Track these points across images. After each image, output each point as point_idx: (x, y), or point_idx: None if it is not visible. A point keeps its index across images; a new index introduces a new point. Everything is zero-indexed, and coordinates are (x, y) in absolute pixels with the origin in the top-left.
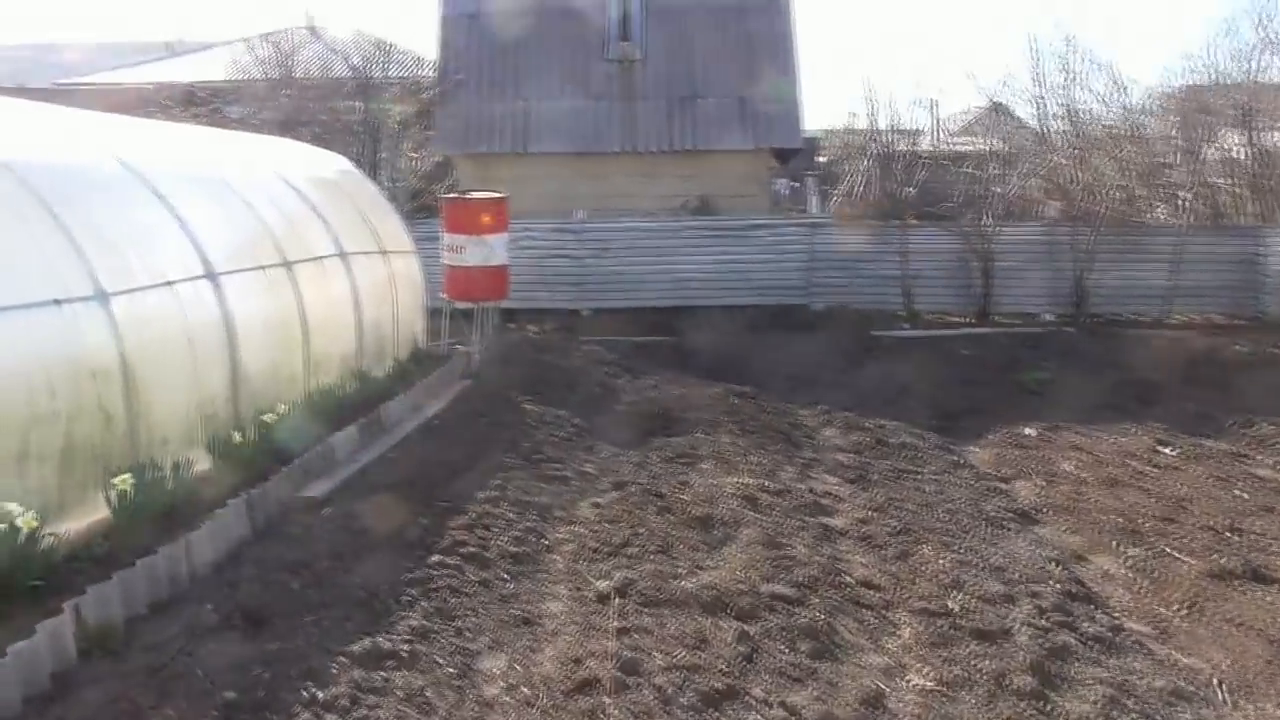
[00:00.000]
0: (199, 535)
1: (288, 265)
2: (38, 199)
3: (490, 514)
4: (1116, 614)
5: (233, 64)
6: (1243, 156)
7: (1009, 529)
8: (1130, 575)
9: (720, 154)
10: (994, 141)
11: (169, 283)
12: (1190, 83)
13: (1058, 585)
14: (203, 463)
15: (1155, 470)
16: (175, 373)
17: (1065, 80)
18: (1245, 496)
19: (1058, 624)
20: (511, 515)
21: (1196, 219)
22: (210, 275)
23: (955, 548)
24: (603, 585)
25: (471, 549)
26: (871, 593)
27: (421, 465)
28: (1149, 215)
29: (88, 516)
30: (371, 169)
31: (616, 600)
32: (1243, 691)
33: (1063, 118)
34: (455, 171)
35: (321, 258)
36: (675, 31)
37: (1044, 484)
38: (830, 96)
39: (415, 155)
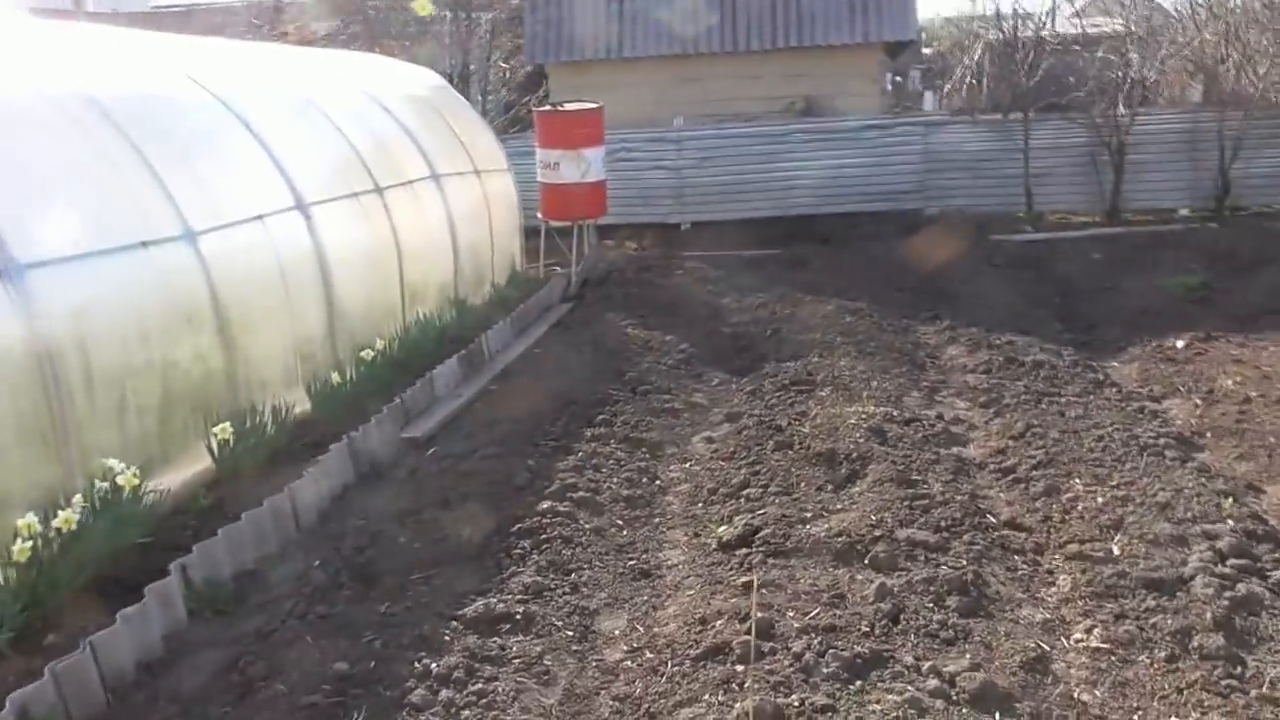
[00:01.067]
0: (303, 484)
1: (379, 191)
2: (120, 133)
3: (599, 453)
4: None
5: None
6: None
7: (1168, 457)
8: None
9: (828, 50)
10: (1130, 20)
11: (259, 217)
12: None
13: (1234, 523)
14: (303, 405)
15: None
16: (270, 313)
17: None
18: None
19: (1240, 570)
20: (621, 454)
21: None
22: (300, 206)
23: (1109, 481)
24: (724, 532)
25: (582, 493)
26: (1020, 535)
27: (525, 399)
28: None
29: (190, 467)
30: (462, 81)
31: (740, 550)
32: None
33: None
34: (548, 81)
35: (414, 181)
36: None
37: (1202, 403)
38: None
39: (506, 65)
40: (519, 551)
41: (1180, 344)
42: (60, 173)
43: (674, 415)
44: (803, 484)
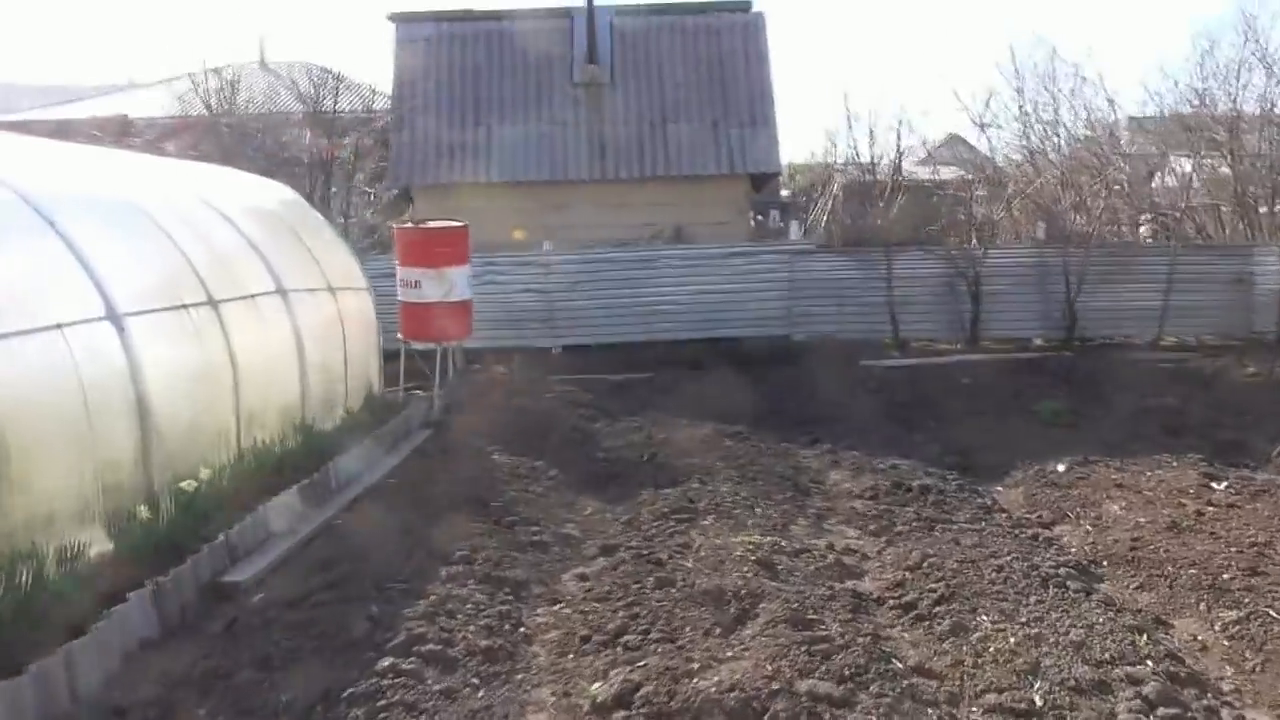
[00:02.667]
0: (85, 644)
1: (214, 304)
2: None
3: (454, 595)
4: (1235, 703)
5: (176, 99)
6: (1227, 174)
7: (1071, 589)
8: (1231, 646)
9: (695, 180)
10: (972, 168)
11: (57, 326)
12: (1172, 102)
13: (1153, 664)
14: (101, 544)
15: (1214, 509)
16: (63, 435)
17: (1049, 99)
18: None
19: None
20: (481, 596)
21: (1183, 239)
22: (112, 316)
23: (1017, 617)
24: (598, 690)
25: (432, 645)
26: (931, 683)
27: (373, 535)
28: (1134, 236)
29: None
30: (323, 203)
31: (618, 713)
32: None
33: (1045, 138)
34: (414, 205)
35: (256, 295)
36: (645, 54)
37: (1093, 529)
38: (793, 128)
39: (371, 189)
40: None
41: (1061, 468)
42: None
43: (542, 549)
44: (688, 627)
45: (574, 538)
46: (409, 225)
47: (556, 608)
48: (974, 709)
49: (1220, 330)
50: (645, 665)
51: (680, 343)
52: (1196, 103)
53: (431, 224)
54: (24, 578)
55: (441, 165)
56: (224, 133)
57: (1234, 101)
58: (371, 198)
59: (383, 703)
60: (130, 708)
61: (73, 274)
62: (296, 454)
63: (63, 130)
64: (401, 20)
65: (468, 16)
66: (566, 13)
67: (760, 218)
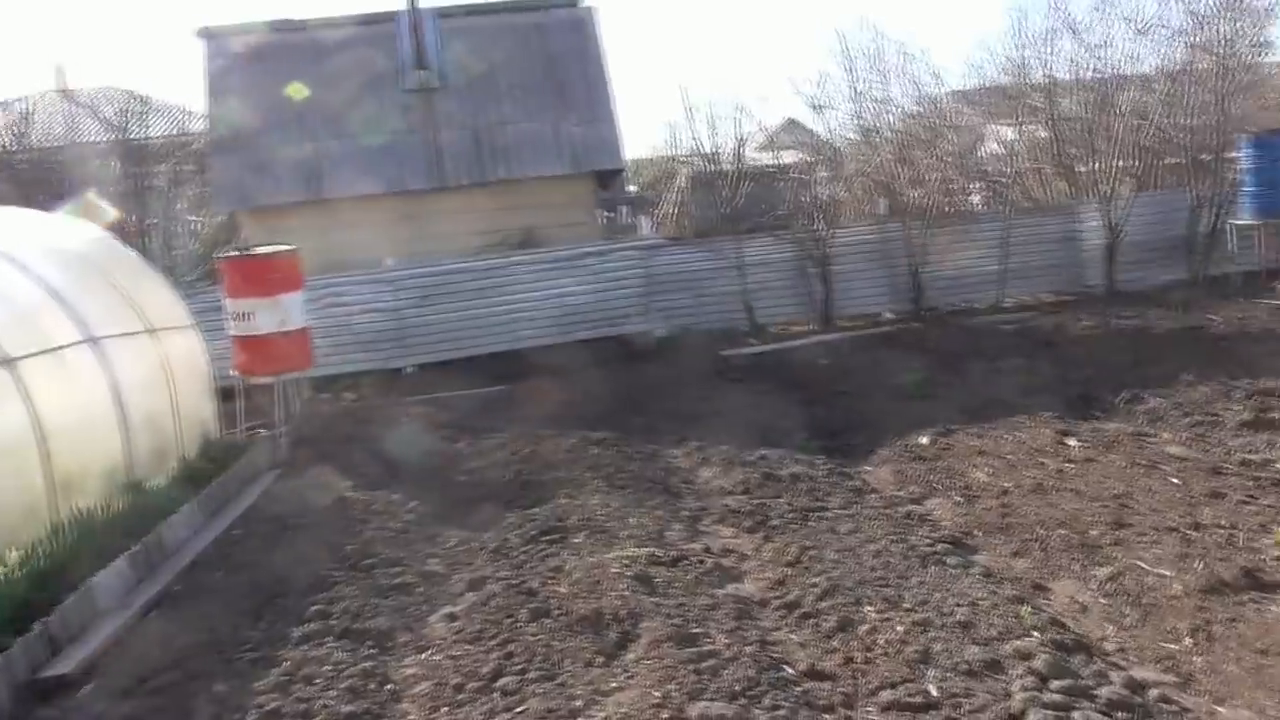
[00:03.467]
0: None
1: (9, 363)
2: None
3: (312, 658)
4: (1122, 663)
5: None
6: (1047, 138)
7: (950, 565)
8: (1109, 604)
9: (539, 182)
10: (812, 150)
11: None
12: (993, 73)
13: (1039, 635)
14: None
15: (1072, 466)
16: None
17: (879, 78)
18: (1178, 482)
19: (1067, 693)
20: (341, 654)
21: (1013, 204)
22: None
23: (902, 604)
24: None
25: None
26: (825, 686)
27: (216, 598)
28: (968, 204)
29: None
30: (140, 237)
31: None
32: None
33: (878, 115)
34: (243, 230)
35: (62, 347)
36: (476, 55)
37: (963, 500)
38: (636, 124)
39: (195, 218)
40: None
41: (925, 440)
42: None
43: (406, 592)
44: (567, 660)
45: (439, 574)
46: (234, 253)
47: (425, 655)
48: (870, 709)
49: (1055, 287)
50: (525, 710)
51: (541, 349)
52: (1015, 72)
53: (260, 250)
54: None
55: (269, 187)
56: (20, 169)
57: (1047, 68)
58: (196, 226)
59: None
60: None
61: None
62: (125, 518)
63: None
64: (211, 36)
65: (284, 28)
66: (389, 17)
67: (610, 215)
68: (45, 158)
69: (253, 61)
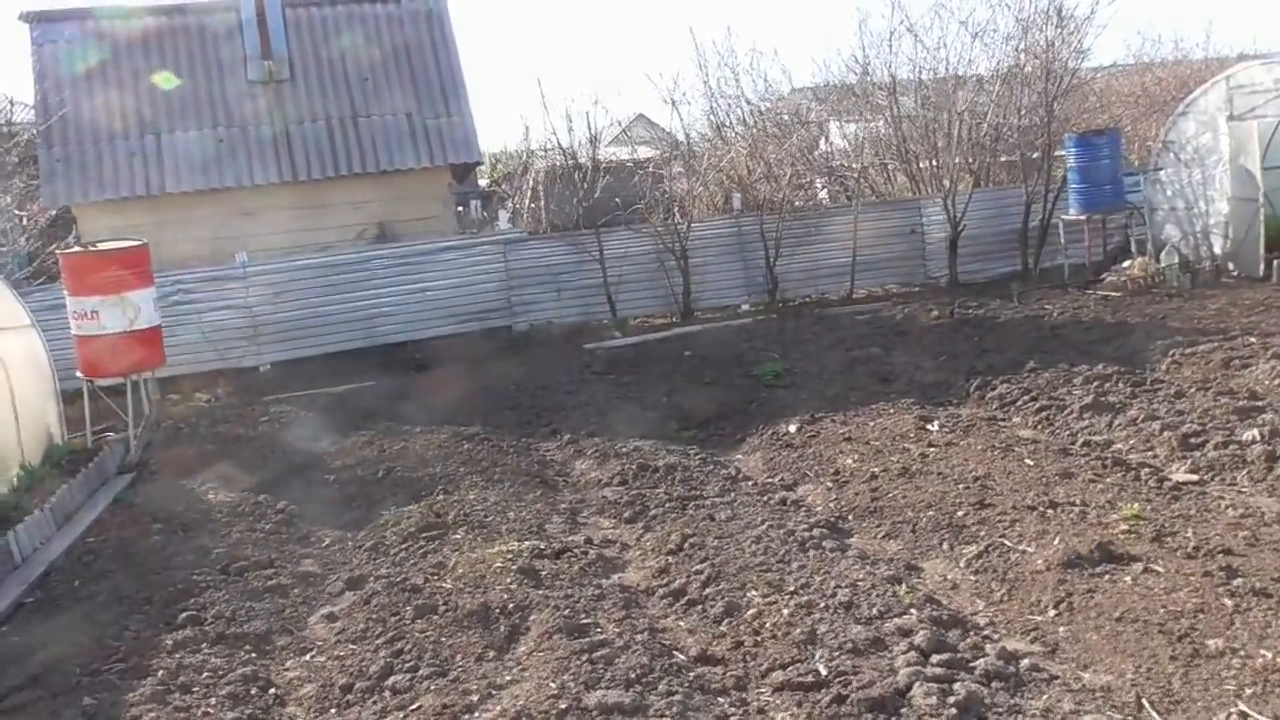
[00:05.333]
0: None
1: None
2: None
3: (187, 665)
4: (993, 635)
5: None
6: (890, 135)
7: (827, 549)
8: (977, 580)
9: (395, 175)
10: (667, 145)
11: None
12: (838, 70)
13: (917, 612)
14: None
15: (934, 450)
16: None
17: (731, 74)
18: (1032, 464)
19: (947, 665)
20: (218, 661)
21: (860, 198)
22: None
23: (785, 587)
24: None
25: None
26: (717, 671)
27: (75, 608)
28: (815, 198)
29: None
30: None
31: None
32: (1169, 704)
33: (730, 110)
34: (79, 225)
35: None
36: (326, 45)
37: (834, 485)
38: (491, 117)
39: (25, 212)
40: None
41: (793, 429)
42: None
43: (281, 594)
44: (459, 655)
45: (315, 575)
46: (77, 250)
47: (308, 657)
48: (763, 689)
49: (901, 279)
50: (420, 707)
51: (402, 345)
52: (859, 70)
53: (105, 245)
54: None
55: (106, 180)
56: None
57: (889, 68)
58: (25, 221)
59: None
60: None
61: None
62: None
63: None
64: (36, 21)
65: (117, 14)
66: (233, 5)
67: (461, 209)
68: None
69: (85, 48)
